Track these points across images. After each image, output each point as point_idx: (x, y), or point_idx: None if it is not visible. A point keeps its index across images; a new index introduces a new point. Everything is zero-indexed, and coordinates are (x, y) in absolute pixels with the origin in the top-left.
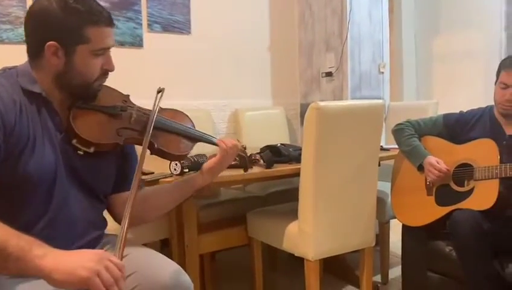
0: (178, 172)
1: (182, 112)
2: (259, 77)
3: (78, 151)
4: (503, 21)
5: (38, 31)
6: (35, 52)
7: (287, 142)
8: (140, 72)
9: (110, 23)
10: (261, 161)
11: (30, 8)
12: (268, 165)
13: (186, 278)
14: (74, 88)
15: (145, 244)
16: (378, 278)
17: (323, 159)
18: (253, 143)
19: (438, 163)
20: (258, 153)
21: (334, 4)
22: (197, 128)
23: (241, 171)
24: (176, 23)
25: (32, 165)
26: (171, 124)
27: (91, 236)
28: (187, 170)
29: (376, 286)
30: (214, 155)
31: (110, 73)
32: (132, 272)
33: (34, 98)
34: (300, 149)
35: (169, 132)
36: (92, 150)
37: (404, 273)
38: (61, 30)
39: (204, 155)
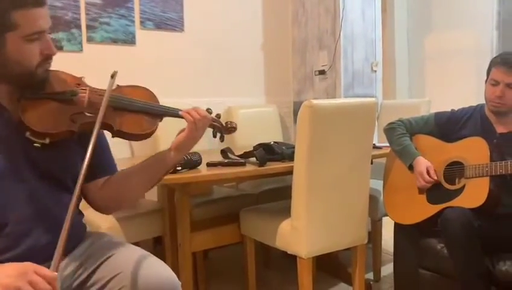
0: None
1: (144, 88)
2: (253, 75)
3: (35, 144)
4: (494, 20)
5: None
6: None
7: (280, 140)
8: (133, 70)
9: (38, 3)
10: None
11: None
12: (262, 163)
13: (173, 277)
14: (16, 78)
15: (137, 243)
16: (370, 275)
17: (316, 157)
18: (247, 141)
19: (427, 172)
20: (250, 151)
21: (327, 2)
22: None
23: (233, 169)
24: (168, 20)
25: None
26: (130, 101)
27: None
28: (180, 168)
29: (368, 283)
30: (184, 130)
31: (103, 69)
32: (117, 273)
33: None
34: (294, 147)
35: (129, 111)
36: (47, 141)
37: (396, 271)
38: None
39: (197, 153)
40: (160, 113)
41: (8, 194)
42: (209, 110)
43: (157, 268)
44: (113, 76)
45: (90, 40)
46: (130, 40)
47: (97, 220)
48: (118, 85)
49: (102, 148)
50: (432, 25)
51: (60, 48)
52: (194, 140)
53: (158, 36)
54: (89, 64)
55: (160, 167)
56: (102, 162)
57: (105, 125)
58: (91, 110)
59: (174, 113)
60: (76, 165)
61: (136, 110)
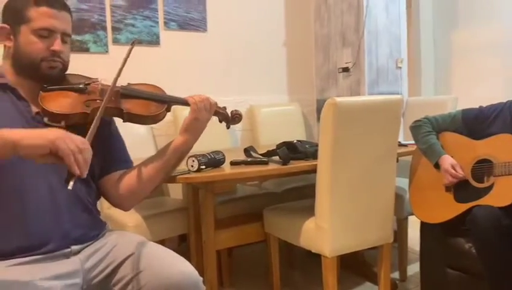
0: (195, 169)
1: (153, 85)
2: (275, 73)
3: None
4: None
5: (2, 19)
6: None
7: (303, 138)
8: (157, 70)
9: (52, 4)
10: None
11: None
12: (285, 162)
13: (195, 273)
14: (24, 68)
15: (163, 240)
16: (396, 275)
17: (340, 155)
18: (269, 140)
19: (453, 168)
20: (273, 150)
21: None
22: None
23: (256, 168)
24: (192, 20)
25: None
26: (138, 90)
27: (85, 221)
28: (204, 167)
29: (394, 282)
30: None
31: (128, 70)
32: (139, 271)
33: (1, 88)
34: (317, 145)
35: (137, 98)
36: (63, 124)
37: (422, 270)
38: (10, 13)
39: (220, 152)
40: (165, 99)
41: (25, 182)
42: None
43: (178, 265)
44: (133, 43)
45: (115, 41)
46: (154, 41)
47: (123, 219)
48: (128, 83)
49: (118, 143)
50: (459, 20)
51: (87, 50)
52: (199, 121)
53: (182, 37)
54: (114, 65)
55: (172, 152)
56: (118, 157)
57: (115, 110)
58: (103, 98)
59: (179, 99)
60: (93, 158)
61: (144, 97)
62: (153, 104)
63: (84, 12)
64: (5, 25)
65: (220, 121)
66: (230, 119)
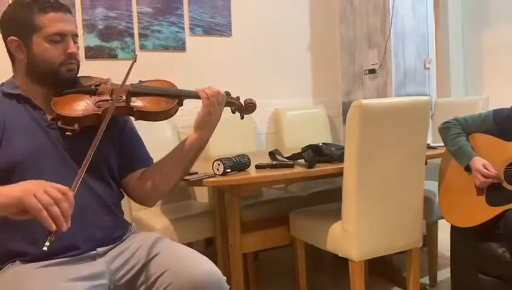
0: (221, 172)
1: (165, 80)
2: (300, 76)
3: (67, 133)
4: None
5: (4, 33)
6: (10, 57)
7: (329, 141)
8: (184, 76)
9: (58, 9)
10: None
11: None
12: (310, 165)
13: (218, 273)
14: (43, 76)
15: (190, 243)
16: (426, 280)
17: (367, 158)
18: (295, 143)
19: (485, 168)
20: (299, 152)
21: None
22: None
23: (281, 171)
24: (217, 25)
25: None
26: (147, 88)
27: (109, 222)
28: (229, 170)
29: (424, 288)
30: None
31: (155, 76)
32: (164, 271)
33: (14, 98)
34: (343, 148)
35: (147, 95)
36: (76, 126)
37: (453, 276)
38: (15, 25)
39: (246, 155)
40: (176, 94)
41: None
42: (227, 92)
43: (202, 264)
44: (135, 59)
45: (142, 47)
46: (180, 47)
47: (152, 222)
48: (139, 80)
49: (135, 142)
50: (489, 18)
51: (115, 57)
52: (212, 115)
53: (207, 42)
54: (141, 72)
55: (187, 149)
56: (137, 155)
57: (126, 109)
58: (113, 98)
59: (189, 93)
60: (110, 157)
61: (154, 94)
62: (163, 99)
63: (112, 20)
64: (14, 38)
65: (233, 112)
66: (244, 109)
